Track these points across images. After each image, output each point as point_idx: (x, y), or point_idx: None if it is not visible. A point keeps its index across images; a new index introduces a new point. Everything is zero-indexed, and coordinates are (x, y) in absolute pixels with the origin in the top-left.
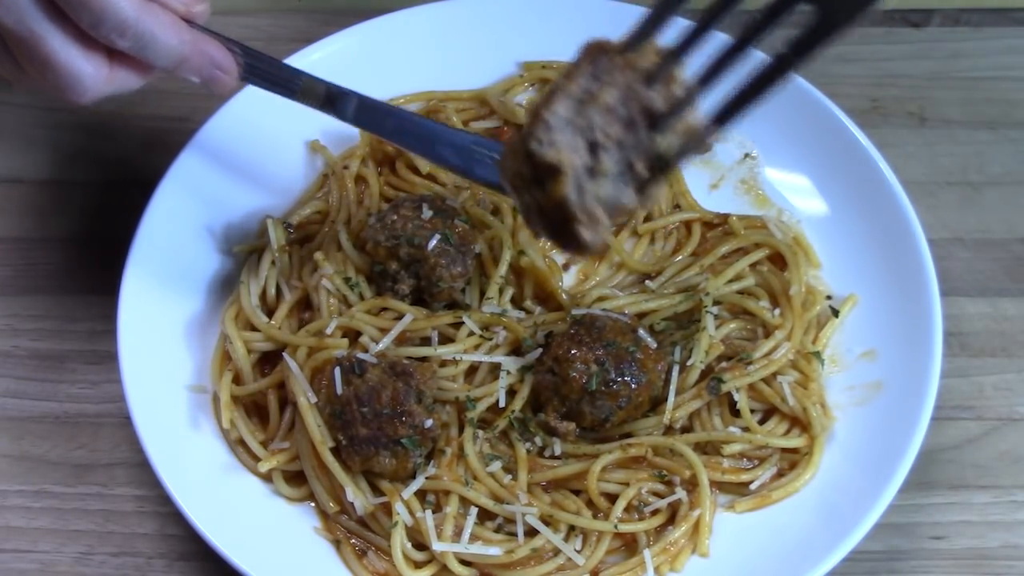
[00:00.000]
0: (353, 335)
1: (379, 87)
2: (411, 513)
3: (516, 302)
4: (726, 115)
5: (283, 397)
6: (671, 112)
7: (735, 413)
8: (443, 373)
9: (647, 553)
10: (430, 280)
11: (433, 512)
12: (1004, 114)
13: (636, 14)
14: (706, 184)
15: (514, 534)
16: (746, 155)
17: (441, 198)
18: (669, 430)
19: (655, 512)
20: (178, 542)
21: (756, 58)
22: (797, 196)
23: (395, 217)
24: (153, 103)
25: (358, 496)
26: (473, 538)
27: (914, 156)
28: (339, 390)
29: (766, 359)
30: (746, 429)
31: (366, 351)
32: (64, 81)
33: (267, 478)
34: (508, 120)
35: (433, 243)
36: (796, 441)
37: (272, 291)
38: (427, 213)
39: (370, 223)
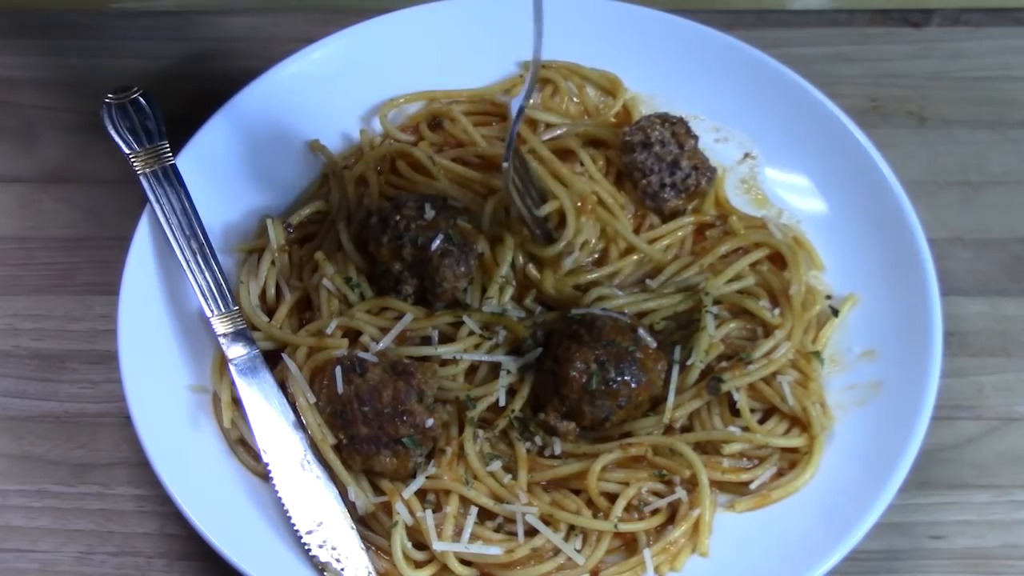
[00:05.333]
0: (353, 335)
1: (379, 87)
2: (411, 512)
3: (517, 300)
4: None
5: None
6: None
7: (735, 413)
8: (443, 372)
9: (647, 552)
10: (433, 281)
11: (433, 511)
12: (1004, 114)
13: (635, 13)
14: None
15: (514, 534)
16: (746, 155)
17: (443, 197)
18: (669, 429)
19: (655, 512)
20: (178, 542)
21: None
22: (797, 196)
23: (398, 217)
24: None
25: (359, 495)
26: (473, 537)
27: (914, 156)
28: (340, 389)
29: (766, 359)
30: (746, 429)
31: (366, 351)
32: None
33: (268, 477)
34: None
35: (436, 243)
36: (796, 441)
37: (272, 291)
38: (429, 213)
39: (372, 223)
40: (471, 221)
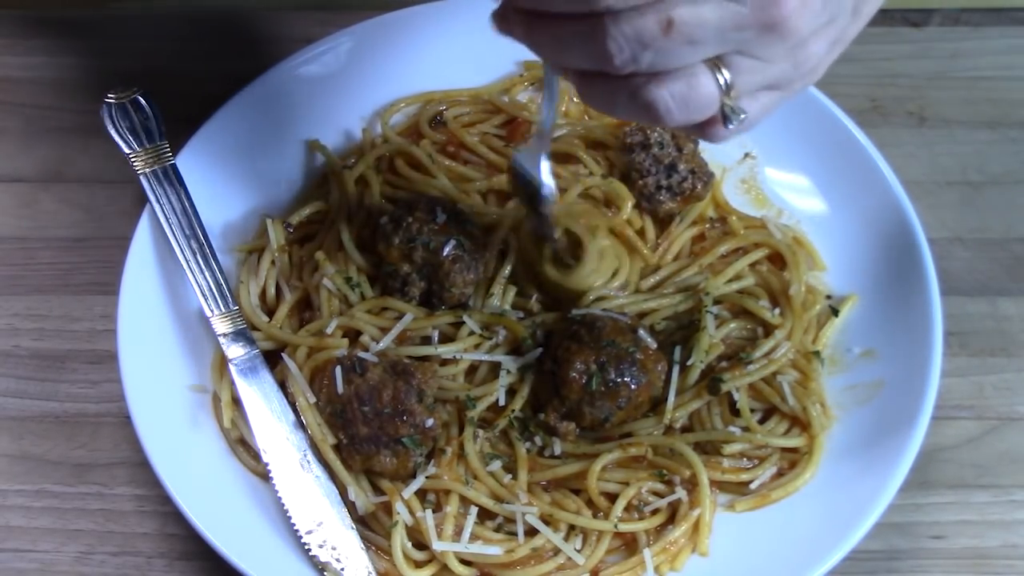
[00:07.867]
0: (353, 335)
1: (379, 87)
2: (411, 512)
3: (520, 296)
4: None
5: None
6: None
7: (735, 413)
8: (443, 372)
9: (647, 552)
10: (442, 285)
11: (433, 511)
12: (1004, 114)
13: None
14: None
15: (514, 533)
16: (746, 155)
17: (453, 201)
18: (669, 430)
19: (655, 511)
20: (178, 541)
21: None
22: (797, 196)
23: (410, 219)
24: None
25: (359, 495)
26: (473, 537)
27: (914, 156)
28: (340, 389)
29: (766, 359)
30: (746, 429)
31: (366, 351)
32: None
33: (268, 477)
34: (515, 116)
35: (448, 249)
36: (796, 441)
37: (272, 291)
38: (441, 217)
39: (383, 223)
40: (479, 226)
